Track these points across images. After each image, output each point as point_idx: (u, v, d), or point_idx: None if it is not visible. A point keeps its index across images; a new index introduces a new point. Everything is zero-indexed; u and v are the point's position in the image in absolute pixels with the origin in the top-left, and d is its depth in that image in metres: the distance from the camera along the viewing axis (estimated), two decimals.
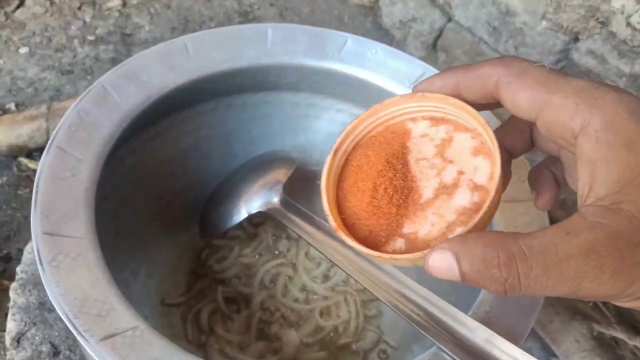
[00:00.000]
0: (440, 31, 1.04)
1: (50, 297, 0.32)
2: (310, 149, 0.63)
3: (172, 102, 0.50)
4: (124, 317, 0.32)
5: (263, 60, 0.52)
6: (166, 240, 0.57)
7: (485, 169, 0.28)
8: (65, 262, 0.34)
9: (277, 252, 0.58)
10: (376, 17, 1.18)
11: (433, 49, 1.06)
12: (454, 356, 0.32)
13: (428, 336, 0.34)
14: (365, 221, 0.29)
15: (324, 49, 0.53)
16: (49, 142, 0.39)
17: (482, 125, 0.28)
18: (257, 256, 0.58)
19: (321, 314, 0.54)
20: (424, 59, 0.57)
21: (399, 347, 0.53)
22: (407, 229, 0.28)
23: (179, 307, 0.53)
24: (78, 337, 0.30)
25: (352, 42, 0.53)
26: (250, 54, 0.51)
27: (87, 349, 0.30)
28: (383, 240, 0.29)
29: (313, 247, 0.44)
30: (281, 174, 0.52)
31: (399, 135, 0.31)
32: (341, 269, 0.41)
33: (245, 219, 0.51)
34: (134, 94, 0.45)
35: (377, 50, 0.53)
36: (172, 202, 0.58)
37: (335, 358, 0.52)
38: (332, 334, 0.53)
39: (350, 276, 0.40)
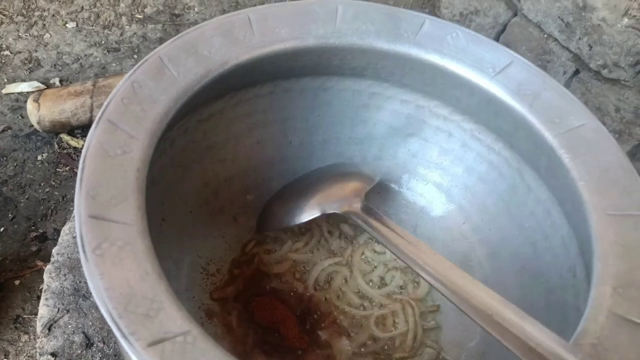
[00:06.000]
0: (505, 26, 0.98)
1: (93, 291, 0.28)
2: (368, 142, 0.58)
3: (230, 81, 0.45)
4: (174, 319, 0.28)
5: (331, 40, 0.47)
6: (212, 230, 0.53)
7: None
8: (110, 251, 0.29)
9: (332, 251, 0.54)
10: (434, 9, 1.12)
11: None
12: None
13: None
14: None
15: (398, 30, 0.48)
16: (99, 114, 0.35)
17: None
18: (310, 253, 0.53)
19: (377, 324, 0.49)
20: None
21: None
22: None
23: (226, 302, 0.49)
24: (122, 341, 0.26)
25: (430, 24, 0.48)
26: (318, 32, 0.47)
27: (131, 355, 0.26)
28: None
29: (395, 255, 0.40)
30: (362, 185, 0.50)
31: None
32: (423, 278, 0.36)
33: None
34: (193, 69, 0.41)
35: (459, 34, 0.47)
36: (219, 189, 0.54)
37: None
38: (386, 346, 0.48)
39: (433, 287, 0.35)
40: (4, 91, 0.84)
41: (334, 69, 0.52)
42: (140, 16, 1.00)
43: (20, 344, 0.59)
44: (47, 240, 0.68)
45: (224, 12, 1.04)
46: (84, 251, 0.29)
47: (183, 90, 0.40)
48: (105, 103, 0.36)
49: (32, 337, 0.59)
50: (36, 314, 0.62)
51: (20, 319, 0.61)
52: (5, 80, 0.86)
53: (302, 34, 0.46)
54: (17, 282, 0.63)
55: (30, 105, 0.74)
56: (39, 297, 0.62)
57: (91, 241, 0.29)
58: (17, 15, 0.95)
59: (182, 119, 0.45)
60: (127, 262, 0.29)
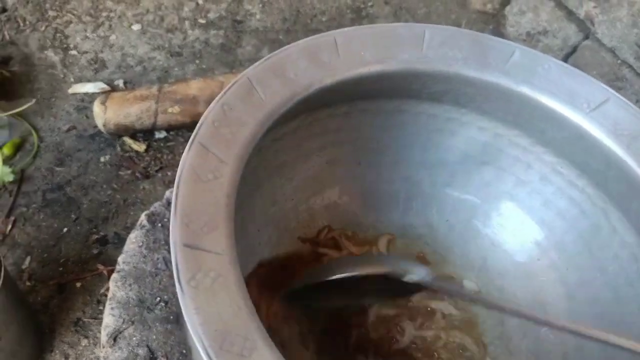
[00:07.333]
0: (575, 48, 0.94)
1: (189, 325, 0.27)
2: (439, 167, 0.56)
3: (311, 103, 0.45)
4: None
5: (416, 65, 0.46)
6: (279, 249, 0.52)
7: None
8: (204, 283, 0.29)
9: None
10: (498, 26, 1.09)
11: None
12: None
13: None
14: None
15: (487, 58, 0.46)
16: (192, 136, 0.35)
17: None
18: None
19: None
20: None
21: None
22: None
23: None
24: None
25: (520, 54, 0.46)
26: (404, 56, 0.45)
27: None
28: None
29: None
30: None
31: None
32: None
33: None
34: (279, 91, 0.40)
35: (551, 66, 0.45)
36: (287, 209, 0.53)
37: None
38: None
39: None
40: (70, 91, 0.86)
41: (412, 93, 0.50)
42: (203, 21, 1.01)
43: (80, 348, 0.59)
44: (107, 243, 0.69)
45: (285, 20, 1.04)
46: (179, 282, 0.28)
47: (269, 113, 0.39)
48: (198, 125, 0.35)
49: (91, 341, 0.60)
50: (96, 318, 0.63)
51: (81, 322, 0.62)
52: (72, 79, 0.87)
53: (386, 58, 0.45)
54: (78, 285, 0.64)
55: (97, 108, 0.75)
56: (99, 301, 0.63)
57: (186, 272, 0.29)
58: (86, 15, 0.97)
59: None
60: (220, 295, 0.29)
